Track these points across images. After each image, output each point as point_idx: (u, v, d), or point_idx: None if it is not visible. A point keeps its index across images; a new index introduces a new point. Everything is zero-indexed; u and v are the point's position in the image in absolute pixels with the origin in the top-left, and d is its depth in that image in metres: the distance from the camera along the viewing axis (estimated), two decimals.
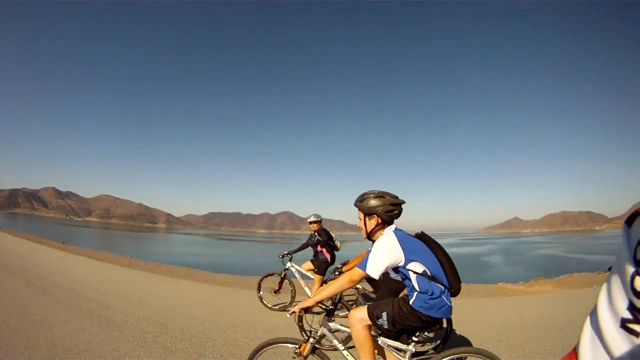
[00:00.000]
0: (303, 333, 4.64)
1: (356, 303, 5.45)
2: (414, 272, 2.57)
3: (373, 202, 2.76)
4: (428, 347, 4.38)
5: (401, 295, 3.08)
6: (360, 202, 2.82)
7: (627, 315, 0.71)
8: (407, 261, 2.57)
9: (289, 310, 6.29)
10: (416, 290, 2.58)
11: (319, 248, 6.51)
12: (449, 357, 2.69)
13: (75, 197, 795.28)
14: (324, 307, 2.92)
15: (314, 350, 2.75)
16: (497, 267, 36.61)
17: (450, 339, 4.32)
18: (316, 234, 6.61)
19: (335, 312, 5.11)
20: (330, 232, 6.70)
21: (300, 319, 4.72)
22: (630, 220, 0.73)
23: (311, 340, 2.74)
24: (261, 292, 6.89)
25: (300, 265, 6.67)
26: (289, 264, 6.70)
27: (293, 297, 6.64)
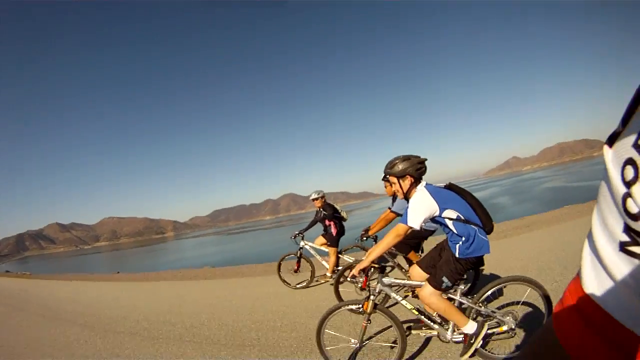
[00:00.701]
0: (341, 295, 4.97)
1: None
2: (449, 219, 2.90)
3: (403, 165, 3.06)
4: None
5: (442, 245, 3.32)
6: (391, 169, 3.11)
7: (625, 238, 0.69)
8: (442, 210, 2.89)
9: (314, 285, 6.65)
10: (455, 236, 2.93)
11: (327, 222, 6.68)
12: (495, 287, 3.06)
13: (79, 227, 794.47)
14: (376, 265, 3.18)
15: (375, 307, 3.01)
16: (516, 205, 36.92)
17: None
18: (321, 209, 6.77)
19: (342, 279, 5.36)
20: (335, 205, 6.88)
21: (336, 285, 4.98)
22: (611, 141, 0.71)
23: (372, 297, 3.00)
24: (281, 274, 7.10)
25: (313, 242, 6.86)
26: (302, 243, 6.89)
27: (313, 273, 6.85)
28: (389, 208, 5.06)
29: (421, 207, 2.86)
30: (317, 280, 6.88)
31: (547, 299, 2.99)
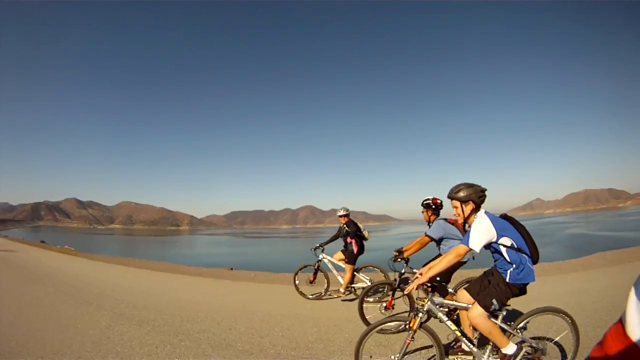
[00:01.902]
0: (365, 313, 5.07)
1: (386, 287, 5.63)
2: (504, 246, 3.14)
3: (467, 192, 3.32)
4: None
5: (491, 270, 3.47)
6: (456, 194, 3.36)
7: None
8: (499, 237, 3.13)
9: (325, 298, 6.82)
10: (507, 263, 3.15)
11: (348, 239, 6.88)
12: (532, 316, 3.28)
13: (96, 206, 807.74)
14: (429, 284, 3.27)
15: (420, 325, 3.09)
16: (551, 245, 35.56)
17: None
18: (345, 225, 6.98)
19: (366, 298, 5.47)
20: (358, 223, 7.07)
21: (360, 304, 5.05)
22: None
23: (420, 314, 3.10)
24: (297, 283, 7.30)
25: (332, 256, 7.07)
26: (321, 256, 7.13)
27: (327, 287, 7.05)
28: (425, 233, 5.14)
29: (483, 232, 3.11)
30: (329, 295, 7.05)
31: (576, 331, 3.27)
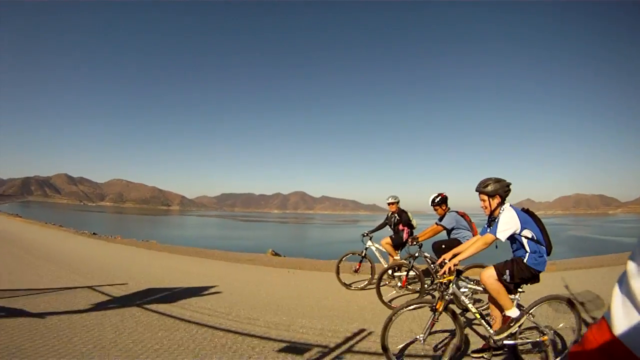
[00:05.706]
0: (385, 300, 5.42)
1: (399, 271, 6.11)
2: (526, 237, 3.39)
3: (494, 186, 3.55)
4: None
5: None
6: (485, 188, 3.60)
7: None
8: (522, 229, 3.38)
9: (369, 288, 6.53)
10: (527, 251, 3.39)
11: (400, 227, 6.66)
12: (542, 302, 3.45)
13: (87, 183, 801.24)
14: (455, 268, 3.38)
15: (445, 307, 3.22)
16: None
17: None
18: (395, 214, 6.79)
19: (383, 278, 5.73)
20: (407, 212, 6.86)
21: (378, 285, 5.47)
22: None
23: (446, 297, 3.23)
24: (340, 274, 6.84)
25: (379, 244, 6.80)
26: (369, 243, 6.84)
27: (373, 275, 6.75)
28: (436, 222, 5.81)
29: (509, 223, 3.36)
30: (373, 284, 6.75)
31: (579, 319, 3.43)
